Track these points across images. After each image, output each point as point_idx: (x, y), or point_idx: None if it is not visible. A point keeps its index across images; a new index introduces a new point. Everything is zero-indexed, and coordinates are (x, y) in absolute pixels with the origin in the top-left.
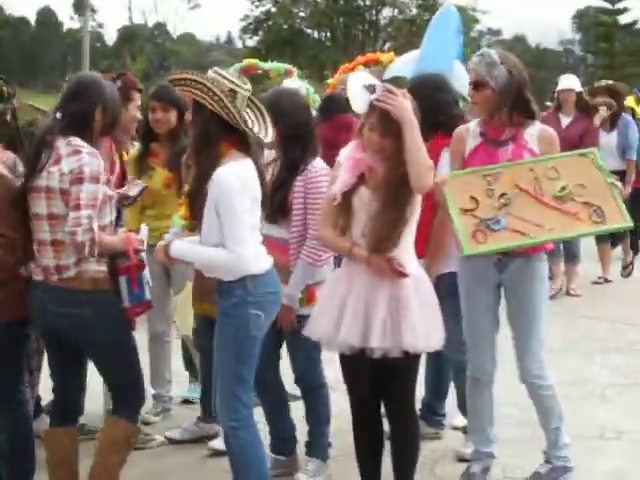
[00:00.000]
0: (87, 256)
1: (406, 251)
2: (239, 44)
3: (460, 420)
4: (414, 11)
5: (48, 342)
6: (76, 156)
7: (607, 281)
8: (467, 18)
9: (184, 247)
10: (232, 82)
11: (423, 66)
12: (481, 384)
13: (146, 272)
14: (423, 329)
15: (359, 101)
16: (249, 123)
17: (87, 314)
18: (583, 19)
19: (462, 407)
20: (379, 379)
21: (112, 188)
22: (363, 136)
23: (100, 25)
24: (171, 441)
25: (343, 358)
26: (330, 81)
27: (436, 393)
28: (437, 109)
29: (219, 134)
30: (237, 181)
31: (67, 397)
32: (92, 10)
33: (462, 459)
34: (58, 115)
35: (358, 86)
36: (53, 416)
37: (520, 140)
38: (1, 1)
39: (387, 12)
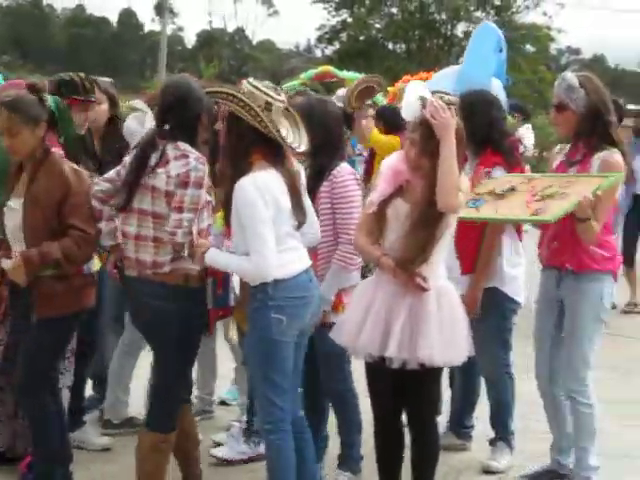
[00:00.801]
0: (184, 256)
1: (434, 266)
2: (318, 53)
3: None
4: None
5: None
6: (183, 160)
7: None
8: (542, 36)
9: (217, 255)
10: (267, 94)
11: (462, 83)
12: (541, 393)
13: (234, 278)
14: (441, 343)
15: (410, 110)
16: (283, 133)
17: (170, 307)
18: None
19: (493, 422)
20: (400, 389)
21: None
22: (405, 149)
23: (180, 28)
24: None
25: (367, 365)
26: (391, 89)
27: (464, 405)
28: (490, 125)
29: (252, 145)
30: (256, 191)
31: None
32: (172, 13)
33: (487, 471)
34: (166, 126)
35: (414, 95)
36: None
37: (586, 164)
38: (84, 1)
39: (462, 27)
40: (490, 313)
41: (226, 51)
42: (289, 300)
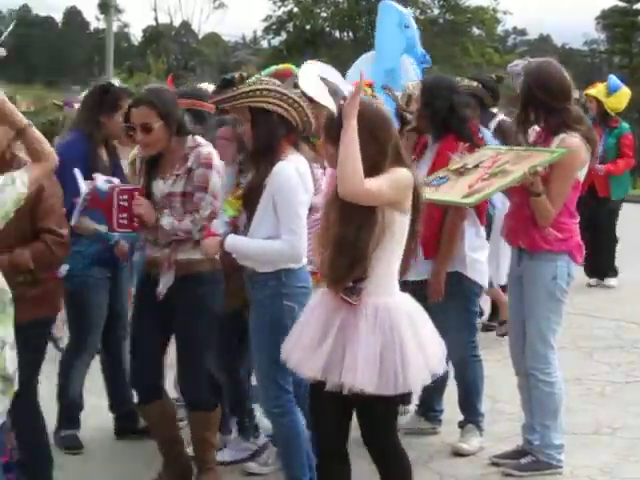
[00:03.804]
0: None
1: (378, 277)
2: (265, 44)
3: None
4: (436, 11)
5: None
6: None
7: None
8: (488, 19)
9: (238, 241)
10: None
11: (378, 65)
12: (515, 371)
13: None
14: (372, 367)
15: (312, 85)
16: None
17: None
18: (607, 19)
19: (462, 405)
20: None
21: None
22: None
23: (126, 25)
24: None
25: (311, 388)
26: None
27: (433, 390)
28: (451, 110)
29: (282, 136)
30: (297, 175)
31: None
32: (117, 10)
33: (458, 454)
34: None
35: (313, 73)
36: None
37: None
38: (30, 2)
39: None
40: (455, 297)
41: (173, 46)
42: (298, 289)
